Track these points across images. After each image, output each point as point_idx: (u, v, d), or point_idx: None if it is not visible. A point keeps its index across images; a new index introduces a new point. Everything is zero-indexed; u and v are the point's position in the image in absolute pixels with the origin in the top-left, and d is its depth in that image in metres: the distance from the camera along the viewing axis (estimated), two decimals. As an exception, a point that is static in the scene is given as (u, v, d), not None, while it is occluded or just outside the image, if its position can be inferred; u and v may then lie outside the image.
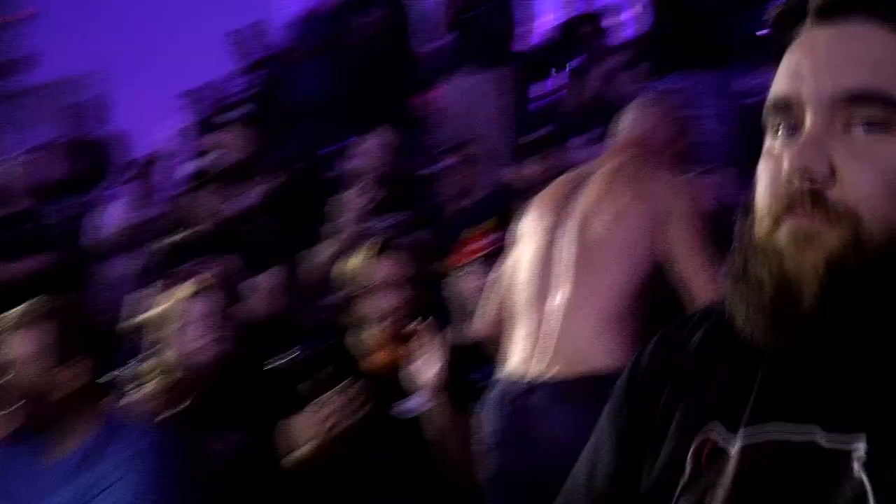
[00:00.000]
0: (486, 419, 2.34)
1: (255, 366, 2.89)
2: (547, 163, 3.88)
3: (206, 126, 6.39)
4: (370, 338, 2.44)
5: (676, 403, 0.92)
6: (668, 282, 2.29)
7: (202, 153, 4.47)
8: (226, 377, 2.76)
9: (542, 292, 2.34)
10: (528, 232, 2.47)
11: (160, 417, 2.57)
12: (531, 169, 3.88)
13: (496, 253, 3.18)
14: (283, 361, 2.56)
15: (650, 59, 5.18)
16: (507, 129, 5.69)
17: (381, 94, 5.76)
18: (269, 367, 2.60)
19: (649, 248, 2.29)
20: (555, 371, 2.24)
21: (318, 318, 3.99)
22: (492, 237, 3.26)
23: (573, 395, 2.20)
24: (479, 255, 3.12)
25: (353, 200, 3.83)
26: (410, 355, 2.35)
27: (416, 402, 2.30)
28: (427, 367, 2.32)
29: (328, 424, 2.25)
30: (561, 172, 3.85)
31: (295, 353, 2.59)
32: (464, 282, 3.11)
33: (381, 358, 2.39)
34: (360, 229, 3.83)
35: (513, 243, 2.54)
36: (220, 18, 7.10)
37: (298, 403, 2.43)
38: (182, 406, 2.66)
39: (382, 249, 2.50)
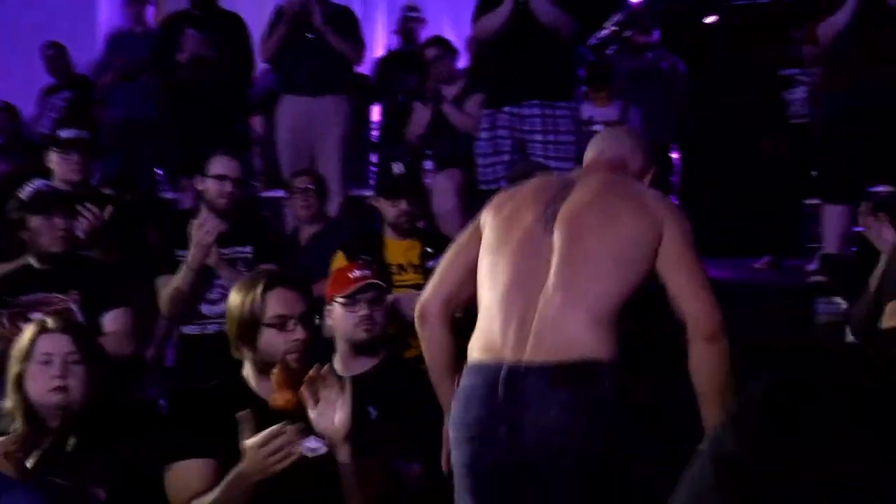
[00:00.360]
0: (471, 402, 2.35)
1: (117, 407, 2.72)
2: (404, 200, 3.85)
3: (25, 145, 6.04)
4: (272, 376, 2.31)
5: None
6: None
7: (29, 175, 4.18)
8: (87, 420, 2.59)
9: (530, 286, 2.37)
10: (503, 224, 2.47)
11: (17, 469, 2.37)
12: (391, 204, 3.84)
13: (375, 284, 3.12)
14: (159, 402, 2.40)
15: (489, 87, 5.25)
16: (346, 154, 5.64)
17: (213, 116, 5.56)
18: (139, 408, 2.43)
19: (646, 258, 2.36)
20: (548, 357, 2.29)
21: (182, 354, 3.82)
22: (368, 268, 3.19)
23: (566, 378, 2.27)
24: (358, 285, 3.04)
25: (200, 229, 3.67)
26: (312, 398, 2.24)
27: (318, 443, 2.18)
28: (330, 412, 2.22)
29: (270, 463, 2.12)
30: (416, 211, 3.90)
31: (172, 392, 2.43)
32: (343, 314, 3.02)
33: (280, 399, 2.26)
34: (209, 259, 3.68)
35: (475, 233, 2.53)
36: (40, 28, 6.71)
37: (179, 446, 2.28)
38: (40, 454, 2.46)
39: (272, 284, 2.37)
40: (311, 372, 2.27)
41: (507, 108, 5.04)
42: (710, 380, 2.32)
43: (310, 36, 5.49)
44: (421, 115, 5.58)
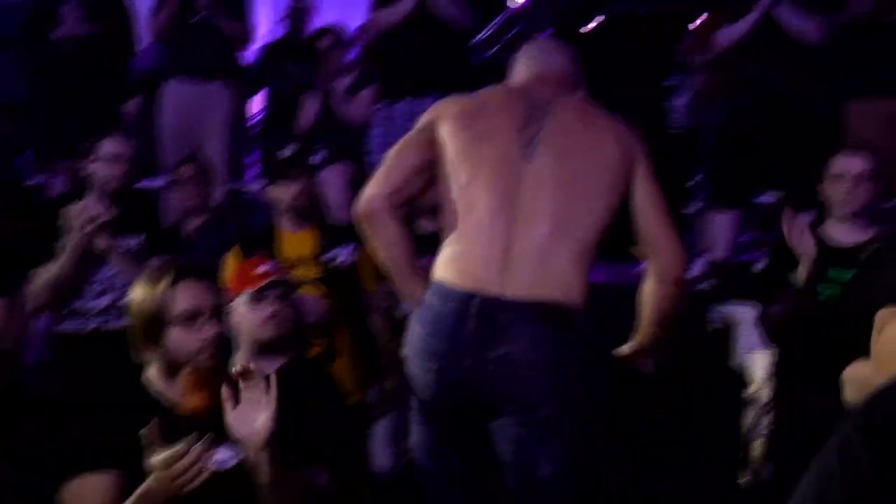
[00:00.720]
0: (437, 332, 2.32)
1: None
2: (299, 181, 3.69)
3: None
4: (181, 378, 2.11)
5: None
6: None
7: None
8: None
9: (512, 213, 2.32)
10: (471, 144, 2.40)
11: None
12: (285, 187, 3.67)
13: (283, 280, 2.97)
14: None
15: (385, 79, 5.13)
16: (231, 143, 5.42)
17: (89, 97, 5.26)
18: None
19: (622, 185, 2.38)
20: (529, 292, 2.27)
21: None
22: (273, 263, 3.03)
23: (549, 318, 2.26)
24: (265, 281, 2.87)
25: (83, 214, 3.41)
26: (231, 399, 2.05)
27: (228, 454, 2.00)
28: (251, 414, 2.04)
29: (179, 485, 1.90)
30: (311, 192, 3.74)
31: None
32: (249, 312, 2.84)
33: (192, 402, 2.08)
34: (99, 246, 3.43)
35: (424, 135, 2.47)
36: None
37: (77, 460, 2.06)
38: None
39: (180, 275, 2.17)
40: (235, 369, 2.09)
41: (404, 101, 4.94)
42: (662, 315, 2.44)
43: (198, 17, 5.26)
44: (310, 107, 5.41)
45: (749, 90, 4.67)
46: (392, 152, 2.54)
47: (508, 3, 7.34)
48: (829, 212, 3.45)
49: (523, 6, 7.36)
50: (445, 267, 2.37)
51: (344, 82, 5.36)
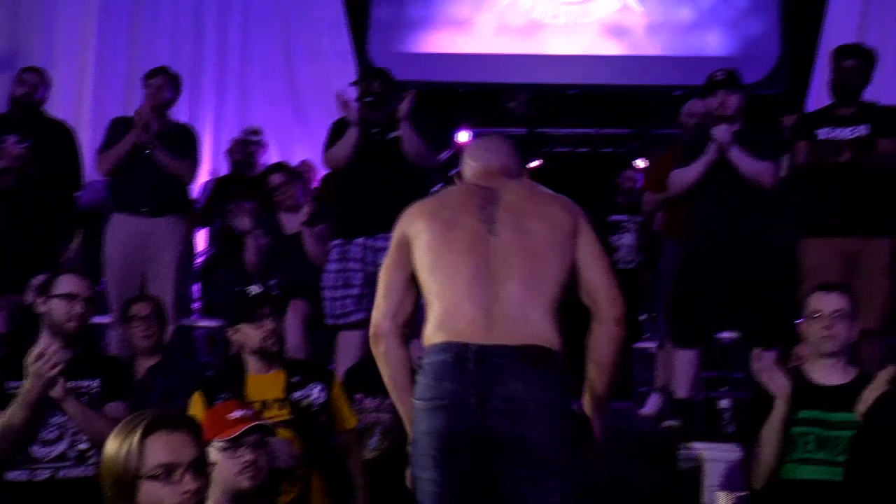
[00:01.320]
0: (441, 375, 2.58)
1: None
2: (269, 322, 3.55)
3: None
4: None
5: None
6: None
7: None
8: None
9: (488, 280, 2.66)
10: (444, 229, 2.74)
11: None
12: (255, 329, 3.53)
13: (260, 426, 2.81)
14: None
15: (341, 216, 5.08)
16: (179, 280, 5.27)
17: (33, 232, 5.10)
18: None
19: (573, 248, 2.74)
20: (512, 340, 2.60)
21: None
22: (248, 408, 2.88)
23: (531, 358, 2.58)
24: (242, 428, 2.71)
25: (41, 357, 3.22)
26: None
27: None
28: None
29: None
30: (281, 333, 3.61)
31: None
32: (224, 460, 2.67)
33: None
34: (54, 392, 3.23)
35: (402, 249, 2.79)
36: None
37: None
38: None
39: (151, 427, 2.00)
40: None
41: (360, 240, 4.87)
42: (611, 355, 2.73)
43: (147, 152, 5.17)
44: (260, 243, 5.31)
45: (704, 229, 4.70)
46: (382, 277, 2.83)
47: (457, 140, 7.47)
48: (808, 351, 3.44)
49: (469, 143, 7.48)
50: (436, 332, 2.66)
51: (297, 218, 5.27)
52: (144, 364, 4.25)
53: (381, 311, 2.77)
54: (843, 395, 3.26)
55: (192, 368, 4.57)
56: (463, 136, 7.69)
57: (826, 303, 3.41)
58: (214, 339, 5.65)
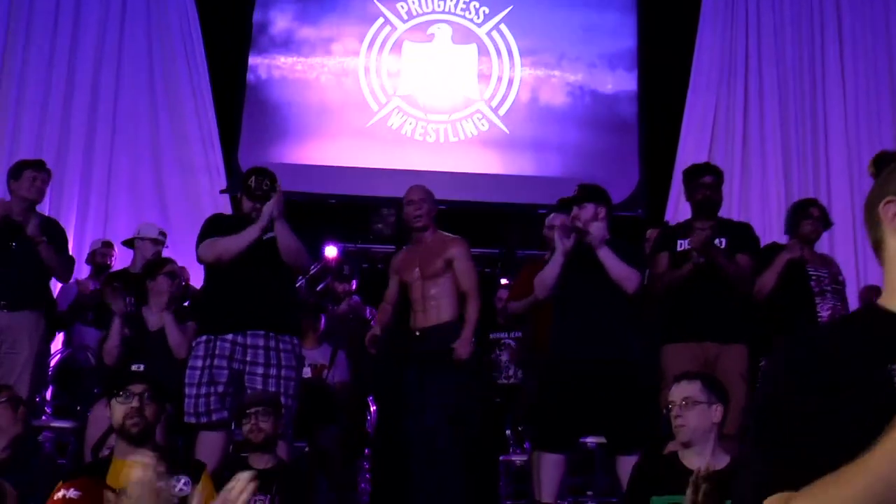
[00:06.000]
0: None
1: None
2: (131, 401, 3.44)
3: None
4: None
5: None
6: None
7: None
8: None
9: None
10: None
11: None
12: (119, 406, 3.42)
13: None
14: None
15: (211, 312, 4.98)
16: (34, 375, 5.05)
17: None
18: None
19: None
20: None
21: None
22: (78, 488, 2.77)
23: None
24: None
25: None
26: None
27: None
28: None
29: None
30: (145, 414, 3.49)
31: None
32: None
33: None
34: None
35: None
36: None
37: None
38: None
39: None
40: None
41: (229, 336, 4.77)
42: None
43: (13, 245, 5.01)
44: (123, 333, 5.15)
45: (566, 336, 4.81)
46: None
47: (325, 255, 7.49)
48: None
49: (335, 259, 7.52)
50: None
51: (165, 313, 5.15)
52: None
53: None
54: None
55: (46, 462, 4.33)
56: (331, 251, 7.69)
57: (676, 392, 3.51)
58: (62, 444, 5.42)
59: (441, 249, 5.28)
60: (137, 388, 3.45)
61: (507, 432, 6.31)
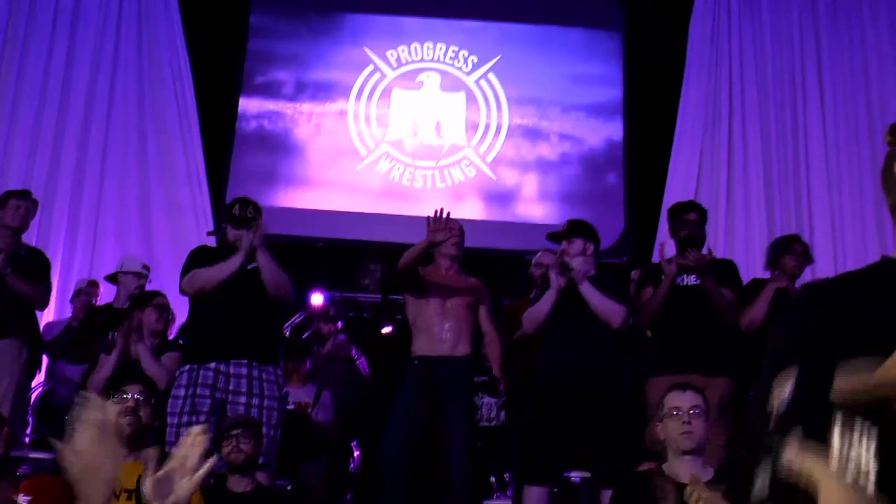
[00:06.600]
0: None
1: None
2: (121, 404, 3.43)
3: None
4: None
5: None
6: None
7: None
8: None
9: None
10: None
11: None
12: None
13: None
14: None
15: (195, 342, 4.97)
16: (18, 404, 5.02)
17: None
18: None
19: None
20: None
21: None
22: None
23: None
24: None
25: None
26: None
27: None
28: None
29: None
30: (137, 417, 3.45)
31: None
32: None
33: None
34: None
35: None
36: None
37: None
38: None
39: None
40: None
41: (212, 364, 4.75)
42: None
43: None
44: (106, 366, 5.13)
45: (553, 370, 4.81)
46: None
47: (311, 302, 7.47)
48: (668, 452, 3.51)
49: (321, 307, 7.50)
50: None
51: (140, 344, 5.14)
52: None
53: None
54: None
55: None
56: (317, 299, 7.66)
57: (684, 399, 3.50)
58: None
59: (469, 287, 5.32)
60: (133, 388, 3.44)
61: (493, 479, 6.26)
